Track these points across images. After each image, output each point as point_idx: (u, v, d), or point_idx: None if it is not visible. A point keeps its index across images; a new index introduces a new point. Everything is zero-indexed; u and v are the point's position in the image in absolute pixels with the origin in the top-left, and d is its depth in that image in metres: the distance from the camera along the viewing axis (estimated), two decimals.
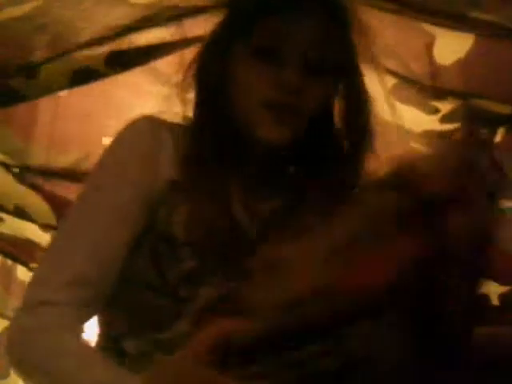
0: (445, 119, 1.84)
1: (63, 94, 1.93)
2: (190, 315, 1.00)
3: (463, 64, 1.75)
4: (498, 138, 1.82)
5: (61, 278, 1.01)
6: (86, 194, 1.09)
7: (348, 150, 1.15)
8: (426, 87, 1.78)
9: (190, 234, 1.03)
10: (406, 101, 1.81)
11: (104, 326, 1.10)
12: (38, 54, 1.74)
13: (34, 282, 1.06)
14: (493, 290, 1.99)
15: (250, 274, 0.92)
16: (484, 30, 1.69)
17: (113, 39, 1.74)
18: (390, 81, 1.74)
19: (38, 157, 2.03)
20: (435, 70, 1.75)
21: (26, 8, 1.65)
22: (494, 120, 1.80)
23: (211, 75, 1.12)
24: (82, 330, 1.04)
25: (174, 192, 1.06)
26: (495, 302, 2.00)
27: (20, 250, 2.27)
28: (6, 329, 2.50)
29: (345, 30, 1.12)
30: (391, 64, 1.74)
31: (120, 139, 1.11)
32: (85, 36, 1.72)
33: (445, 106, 1.82)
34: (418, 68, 1.78)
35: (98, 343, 1.10)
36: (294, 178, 1.17)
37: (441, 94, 1.79)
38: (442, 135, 1.84)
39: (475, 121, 1.79)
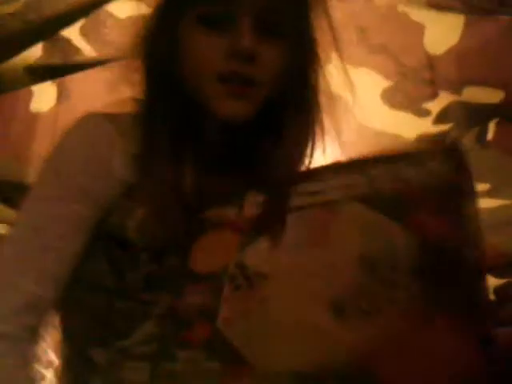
0: (437, 120, 1.83)
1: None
2: (155, 318, 0.95)
3: (456, 51, 1.74)
4: (489, 135, 1.81)
5: (9, 305, 0.94)
6: (30, 208, 1.01)
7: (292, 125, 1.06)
8: (418, 84, 1.77)
9: (147, 240, 0.97)
10: (397, 106, 1.81)
11: (68, 334, 1.05)
12: None
13: None
14: (489, 284, 2.01)
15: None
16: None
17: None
18: (381, 84, 1.75)
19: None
20: (428, 61, 1.74)
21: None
22: (485, 114, 1.78)
23: (159, 50, 1.04)
24: (32, 360, 0.98)
25: (128, 195, 1.00)
26: (491, 295, 2.02)
27: None
28: None
29: None
30: (381, 60, 1.73)
31: (64, 144, 1.02)
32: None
33: (435, 107, 1.80)
34: (410, 62, 1.76)
35: (63, 353, 1.05)
36: (255, 158, 1.09)
37: (431, 91, 1.77)
38: (435, 137, 1.82)
39: (466, 119, 1.78)
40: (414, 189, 0.91)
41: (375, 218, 0.90)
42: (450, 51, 1.73)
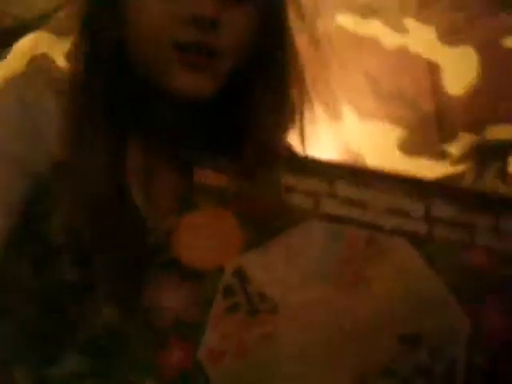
0: (456, 161, 1.71)
1: None
2: (78, 348, 0.80)
3: (476, 88, 1.62)
4: (510, 168, 1.70)
5: None
6: None
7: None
8: (437, 128, 1.64)
9: (70, 234, 0.82)
10: (414, 153, 1.68)
11: None
12: None
13: None
14: None
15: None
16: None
17: None
18: (397, 133, 1.63)
19: None
20: (446, 102, 1.61)
21: None
22: (505, 149, 1.68)
23: (101, 18, 0.85)
24: None
25: (55, 176, 0.85)
26: None
27: None
28: None
29: None
30: (396, 108, 1.60)
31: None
32: None
33: (454, 148, 1.68)
34: (427, 105, 1.63)
35: None
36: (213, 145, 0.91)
37: (450, 133, 1.65)
38: (454, 177, 1.72)
39: (486, 157, 1.66)
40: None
41: (431, 277, 0.71)
42: (469, 89, 1.62)
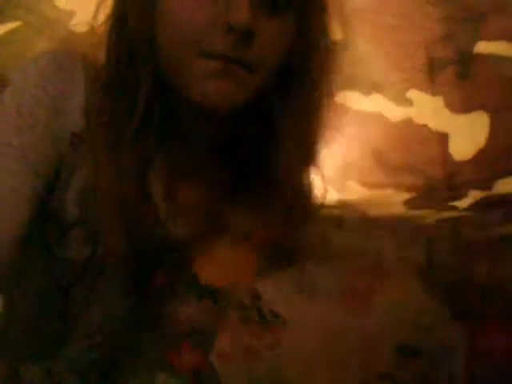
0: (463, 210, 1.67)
1: None
2: (78, 340, 0.80)
3: (485, 152, 1.58)
4: None
5: None
6: None
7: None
8: (445, 190, 1.62)
9: (83, 209, 0.80)
10: (422, 207, 1.63)
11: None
12: None
13: None
14: None
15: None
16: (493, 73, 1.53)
17: None
18: (405, 196, 1.61)
19: None
20: (454, 168, 1.58)
21: None
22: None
23: (134, 17, 0.81)
24: None
25: (74, 150, 0.82)
26: None
27: None
28: None
29: None
30: (402, 179, 1.58)
31: (33, 73, 0.84)
32: None
33: (463, 204, 1.64)
34: (435, 173, 1.60)
35: None
36: (229, 158, 0.90)
37: (460, 192, 1.62)
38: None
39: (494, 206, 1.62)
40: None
41: (429, 303, 0.78)
42: (478, 154, 1.58)
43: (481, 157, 1.58)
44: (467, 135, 1.56)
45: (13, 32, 1.52)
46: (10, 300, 0.86)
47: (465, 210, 1.63)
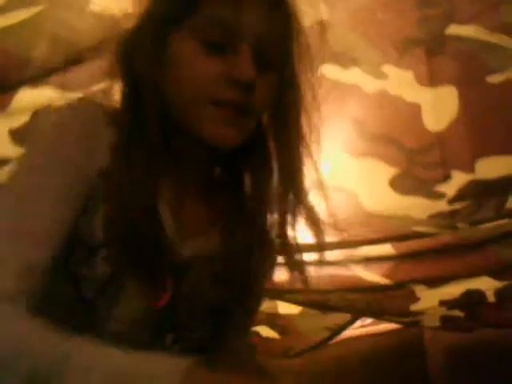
0: (453, 200, 1.78)
1: None
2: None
3: (458, 124, 1.70)
4: (509, 204, 1.77)
5: (6, 269, 0.89)
6: (20, 178, 0.95)
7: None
8: (428, 167, 1.72)
9: (107, 233, 0.95)
10: (408, 192, 1.76)
11: None
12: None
13: None
14: (489, 286, 2.04)
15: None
16: (462, 52, 1.65)
17: None
18: (388, 172, 1.71)
19: None
20: (429, 139, 1.70)
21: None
22: (503, 186, 1.74)
23: (141, 63, 0.99)
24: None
25: (101, 184, 0.97)
26: (491, 298, 2.05)
27: None
28: None
29: (287, 22, 1.02)
30: (385, 148, 1.70)
31: (58, 119, 0.98)
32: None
33: (450, 189, 1.76)
34: (413, 144, 1.72)
35: None
36: (227, 186, 1.09)
37: (443, 173, 1.72)
38: (450, 215, 1.79)
39: (484, 195, 1.73)
40: None
41: None
42: (452, 125, 1.69)
43: (454, 129, 1.70)
44: (438, 107, 1.68)
45: (36, 15, 1.61)
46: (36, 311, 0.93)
47: (454, 200, 1.75)
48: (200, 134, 0.98)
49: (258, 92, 0.97)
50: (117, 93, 1.03)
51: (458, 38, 1.62)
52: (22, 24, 1.62)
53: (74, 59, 1.69)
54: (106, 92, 1.04)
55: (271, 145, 1.06)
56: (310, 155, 1.05)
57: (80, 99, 1.04)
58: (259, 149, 1.06)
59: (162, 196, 1.00)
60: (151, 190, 0.98)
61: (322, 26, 1.28)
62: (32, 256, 0.91)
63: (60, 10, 1.62)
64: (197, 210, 1.07)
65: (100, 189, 0.96)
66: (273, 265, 1.16)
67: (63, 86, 1.72)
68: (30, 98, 1.72)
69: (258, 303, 1.20)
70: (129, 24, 1.02)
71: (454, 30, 1.62)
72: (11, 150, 1.81)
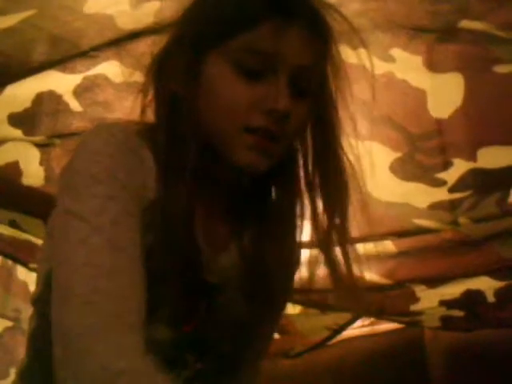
0: (453, 189, 1.78)
1: None
2: None
3: (462, 112, 1.69)
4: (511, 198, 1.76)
5: (124, 342, 0.84)
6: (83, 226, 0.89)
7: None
8: (429, 153, 1.71)
9: (147, 258, 0.93)
10: (409, 178, 1.76)
11: (44, 351, 0.95)
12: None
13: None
14: (488, 286, 2.03)
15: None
16: (471, 41, 1.65)
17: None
18: (389, 156, 1.71)
19: None
20: (433, 126, 1.70)
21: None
22: (506, 178, 1.73)
23: (178, 81, 0.99)
24: None
25: (146, 211, 0.96)
26: (491, 298, 2.05)
27: (20, 251, 2.23)
28: (7, 328, 2.57)
29: (326, 48, 1.03)
30: (387, 131, 1.69)
31: (95, 147, 0.95)
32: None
33: (451, 176, 1.75)
34: (416, 130, 1.71)
35: (30, 352, 1.04)
36: (258, 209, 1.10)
37: (444, 161, 1.72)
38: (451, 204, 1.78)
39: (486, 185, 1.73)
40: None
41: None
42: (455, 113, 1.69)
43: (458, 117, 1.69)
44: (443, 94, 1.68)
45: (27, 19, 1.62)
46: None
47: (455, 189, 1.74)
48: (230, 158, 0.99)
49: (291, 120, 0.98)
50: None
51: (468, 30, 1.62)
52: (16, 27, 1.64)
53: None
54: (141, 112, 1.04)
55: (309, 165, 1.07)
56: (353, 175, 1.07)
57: (115, 123, 1.03)
58: (287, 168, 1.07)
59: (197, 223, 1.01)
60: (191, 214, 0.98)
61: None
62: (138, 320, 0.88)
63: (53, 13, 1.63)
64: (222, 227, 1.08)
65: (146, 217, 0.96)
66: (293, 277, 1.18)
67: (62, 69, 1.75)
68: (29, 83, 1.75)
69: (281, 315, 1.22)
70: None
71: (465, 24, 1.63)
72: (7, 132, 1.84)
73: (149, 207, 0.95)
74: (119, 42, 1.69)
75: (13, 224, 2.08)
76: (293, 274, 1.17)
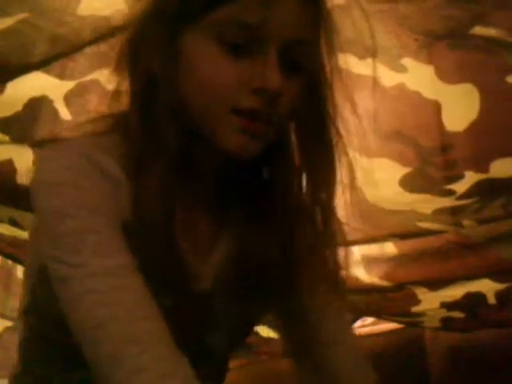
0: (462, 197, 1.73)
1: None
2: None
3: (478, 126, 1.62)
4: None
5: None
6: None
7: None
8: (440, 167, 1.65)
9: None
10: (418, 190, 1.70)
11: (34, 363, 0.98)
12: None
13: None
14: (489, 288, 2.02)
15: None
16: (484, 49, 1.58)
17: None
18: (399, 172, 1.64)
19: None
20: (447, 139, 1.63)
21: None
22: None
23: (154, 58, 0.89)
24: None
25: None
26: (492, 300, 2.04)
27: (20, 251, 2.16)
28: (7, 328, 2.57)
29: (318, 18, 0.92)
30: (397, 147, 1.63)
31: (58, 180, 0.86)
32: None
33: (461, 187, 1.69)
34: (428, 143, 1.64)
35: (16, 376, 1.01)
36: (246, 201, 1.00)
37: (455, 173, 1.66)
38: (455, 209, 1.74)
39: (492, 192, 1.68)
40: None
41: None
42: (471, 126, 1.62)
43: (474, 130, 1.62)
44: (459, 106, 1.61)
45: (21, 22, 1.54)
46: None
47: (462, 197, 1.69)
48: (217, 143, 0.89)
49: (284, 99, 0.88)
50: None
51: (481, 37, 1.55)
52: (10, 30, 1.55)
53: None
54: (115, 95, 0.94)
55: (298, 147, 0.97)
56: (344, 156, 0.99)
57: (70, 143, 0.94)
58: (281, 151, 0.97)
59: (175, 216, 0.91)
60: (170, 212, 0.89)
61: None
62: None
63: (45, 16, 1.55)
64: (205, 225, 0.99)
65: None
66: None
67: (59, 75, 1.67)
68: (25, 86, 1.67)
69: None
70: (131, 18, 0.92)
71: (477, 30, 1.56)
72: None
73: (126, 225, 0.87)
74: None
75: (13, 222, 2.02)
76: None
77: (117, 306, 0.81)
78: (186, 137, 0.90)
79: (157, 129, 0.88)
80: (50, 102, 1.72)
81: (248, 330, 1.08)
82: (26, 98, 1.70)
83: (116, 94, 0.95)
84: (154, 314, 0.83)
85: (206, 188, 0.97)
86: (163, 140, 0.88)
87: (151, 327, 0.81)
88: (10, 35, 1.56)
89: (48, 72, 1.64)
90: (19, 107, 1.71)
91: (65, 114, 1.73)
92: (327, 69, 0.95)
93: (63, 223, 0.83)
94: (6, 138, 1.78)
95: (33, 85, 1.67)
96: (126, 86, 0.95)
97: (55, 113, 1.72)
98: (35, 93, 1.70)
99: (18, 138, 1.79)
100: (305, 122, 0.96)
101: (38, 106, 1.72)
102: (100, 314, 0.80)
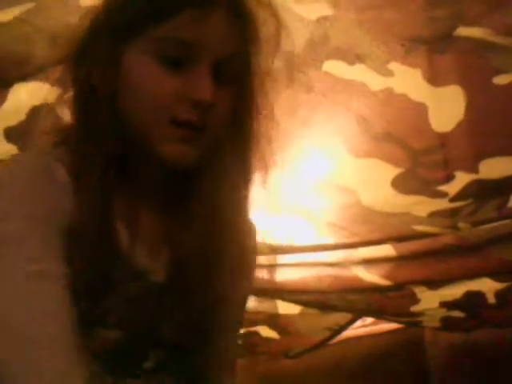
0: (454, 199, 1.76)
1: None
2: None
3: (465, 125, 1.67)
4: (511, 203, 1.75)
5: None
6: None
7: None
8: (431, 167, 1.69)
9: (68, 256, 0.91)
10: (410, 192, 1.74)
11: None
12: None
13: None
14: (489, 288, 2.03)
15: None
16: (470, 51, 1.62)
17: None
18: (391, 172, 1.69)
19: None
20: (435, 140, 1.67)
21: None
22: (506, 186, 1.72)
23: (94, 78, 0.95)
24: None
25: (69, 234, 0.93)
26: (491, 299, 2.06)
27: None
28: None
29: (247, 33, 0.98)
30: (388, 148, 1.67)
31: (4, 184, 0.93)
32: None
33: (452, 189, 1.73)
34: (418, 144, 1.69)
35: None
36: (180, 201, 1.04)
37: (447, 174, 1.70)
38: (451, 211, 1.77)
39: (486, 194, 1.71)
40: None
41: None
42: (458, 127, 1.67)
43: (461, 130, 1.67)
44: (445, 107, 1.65)
45: (27, 12, 1.59)
46: None
47: (455, 198, 1.73)
48: (158, 153, 0.95)
49: (216, 108, 0.94)
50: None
51: (466, 38, 1.60)
52: (16, 21, 1.59)
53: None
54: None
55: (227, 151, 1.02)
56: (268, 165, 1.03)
57: (26, 153, 1.01)
58: (215, 159, 1.01)
59: (116, 212, 0.97)
60: (106, 211, 0.94)
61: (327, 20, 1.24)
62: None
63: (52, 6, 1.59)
64: (152, 223, 1.03)
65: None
66: (248, 275, 1.12)
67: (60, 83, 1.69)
68: (26, 95, 1.70)
69: (242, 314, 1.16)
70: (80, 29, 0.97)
71: (461, 31, 1.60)
72: (4, 149, 1.80)
73: (68, 229, 0.92)
74: None
75: None
76: (247, 264, 1.11)
77: (25, 309, 0.86)
78: (127, 146, 0.96)
79: (95, 138, 0.94)
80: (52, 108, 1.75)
81: (207, 323, 1.07)
82: (27, 107, 1.74)
83: (58, 104, 1.02)
84: (62, 322, 0.87)
85: (150, 191, 1.02)
86: (100, 150, 0.94)
87: (53, 332, 0.86)
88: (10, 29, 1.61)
89: (46, 81, 1.66)
90: (23, 116, 1.75)
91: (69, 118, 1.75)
92: (259, 75, 1.02)
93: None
94: (14, 148, 1.81)
95: (33, 93, 1.71)
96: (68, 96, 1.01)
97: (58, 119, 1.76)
98: (36, 101, 1.72)
99: (26, 148, 1.81)
100: (233, 127, 1.01)
101: (41, 114, 1.75)
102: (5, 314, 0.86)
